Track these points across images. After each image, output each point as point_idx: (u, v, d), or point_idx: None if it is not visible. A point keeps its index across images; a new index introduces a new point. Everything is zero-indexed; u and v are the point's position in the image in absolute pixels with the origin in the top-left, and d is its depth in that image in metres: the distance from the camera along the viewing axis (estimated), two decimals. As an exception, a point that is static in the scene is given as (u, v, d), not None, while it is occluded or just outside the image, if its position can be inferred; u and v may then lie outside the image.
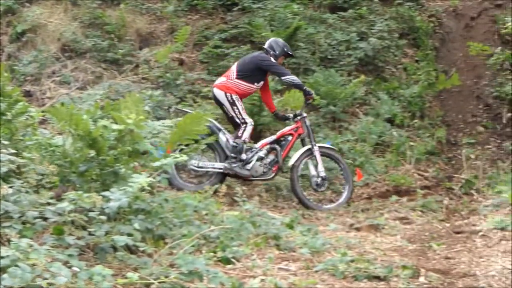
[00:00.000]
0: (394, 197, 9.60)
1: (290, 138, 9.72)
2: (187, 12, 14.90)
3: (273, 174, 9.54)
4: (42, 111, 6.85)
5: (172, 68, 12.55)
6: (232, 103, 9.41)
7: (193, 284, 4.40)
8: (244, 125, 9.40)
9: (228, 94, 9.41)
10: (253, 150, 9.55)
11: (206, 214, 6.41)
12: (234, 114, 9.44)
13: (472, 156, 11.94)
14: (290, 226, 6.94)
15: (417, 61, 14.49)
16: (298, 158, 9.47)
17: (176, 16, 14.45)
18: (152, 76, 12.39)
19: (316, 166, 9.50)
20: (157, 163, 5.37)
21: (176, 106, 9.90)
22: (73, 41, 12.97)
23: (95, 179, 5.58)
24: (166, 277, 4.29)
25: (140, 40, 13.85)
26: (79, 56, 12.87)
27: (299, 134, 9.73)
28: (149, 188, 5.06)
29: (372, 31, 14.24)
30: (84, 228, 4.74)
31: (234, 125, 9.61)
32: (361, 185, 10.10)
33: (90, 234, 4.68)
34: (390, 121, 12.17)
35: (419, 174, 10.88)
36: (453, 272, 5.53)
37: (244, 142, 9.36)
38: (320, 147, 9.63)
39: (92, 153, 5.56)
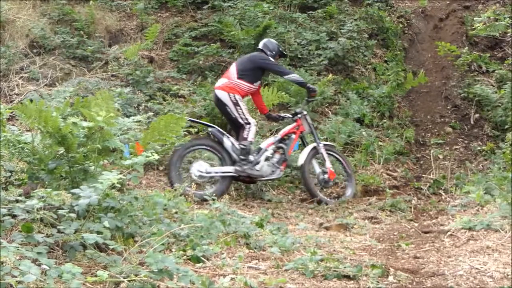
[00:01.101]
0: (363, 197, 9.65)
1: (293, 136, 9.87)
2: (157, 9, 14.87)
3: (282, 173, 9.69)
4: (10, 108, 6.78)
5: (141, 65, 12.49)
6: (236, 104, 9.47)
7: (163, 283, 4.38)
8: (248, 125, 9.48)
9: (231, 95, 9.47)
10: (259, 150, 9.63)
11: (176, 213, 6.39)
12: (237, 115, 9.48)
13: (440, 157, 12.04)
14: (260, 225, 6.94)
15: (386, 61, 14.57)
16: (306, 157, 9.62)
17: (146, 14, 14.40)
18: (122, 73, 12.33)
19: (322, 164, 9.75)
20: (127, 162, 5.34)
21: (188, 117, 9.83)
22: (41, 37, 12.86)
23: (64, 176, 5.54)
24: (136, 275, 4.27)
25: (109, 37, 13.78)
26: (48, 52, 12.76)
27: (301, 132, 9.92)
28: (119, 186, 5.03)
29: (342, 31, 14.29)
30: (53, 225, 4.70)
31: (236, 127, 9.66)
32: (330, 185, 10.11)
33: (59, 231, 4.65)
34: (360, 121, 12.21)
35: (387, 174, 10.93)
36: (421, 271, 5.56)
37: (251, 143, 9.45)
38: (324, 144, 9.87)
39: (62, 150, 5.52)
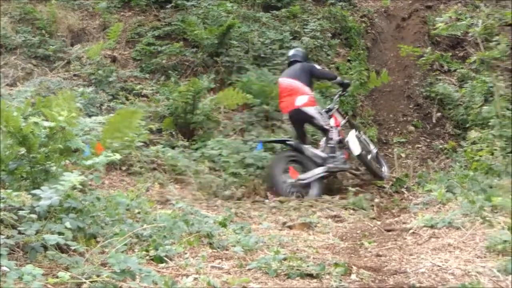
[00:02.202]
0: (326, 195, 9.68)
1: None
2: (120, 8, 14.80)
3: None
4: (-30, 108, 6.71)
5: (104, 65, 12.43)
6: (320, 114, 10.37)
7: (125, 283, 4.36)
8: (332, 128, 10.37)
9: (316, 108, 10.41)
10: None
11: (139, 213, 6.36)
12: (323, 123, 10.35)
13: (403, 155, 12.13)
14: (223, 225, 6.93)
15: (349, 60, 14.64)
16: (359, 144, 10.38)
17: (109, 13, 14.32)
18: (84, 73, 12.24)
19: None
20: (89, 162, 5.31)
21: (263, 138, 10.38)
22: (3, 36, 12.73)
23: (25, 177, 5.49)
24: (98, 276, 4.24)
25: (71, 36, 13.68)
26: (9, 52, 12.63)
27: (337, 126, 10.57)
28: (80, 187, 5.00)
29: (305, 30, 14.35)
30: (13, 227, 4.65)
31: (323, 133, 10.62)
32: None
33: (20, 233, 4.60)
34: (323, 119, 12.26)
35: (350, 173, 10.97)
36: (384, 269, 5.59)
37: (336, 142, 10.37)
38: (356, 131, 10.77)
39: (23, 150, 5.46)
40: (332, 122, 10.40)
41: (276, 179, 9.77)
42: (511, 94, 13.03)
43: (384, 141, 12.79)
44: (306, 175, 9.95)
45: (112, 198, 6.02)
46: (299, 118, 10.42)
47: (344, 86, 11.03)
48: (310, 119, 10.34)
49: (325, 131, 10.43)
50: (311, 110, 10.28)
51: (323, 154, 10.21)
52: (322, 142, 10.61)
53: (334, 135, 10.31)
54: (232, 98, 11.10)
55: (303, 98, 10.30)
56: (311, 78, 10.66)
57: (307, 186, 9.98)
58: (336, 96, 11.09)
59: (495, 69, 13.81)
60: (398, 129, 13.21)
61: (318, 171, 10.00)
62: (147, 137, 9.15)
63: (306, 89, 10.41)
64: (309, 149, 10.24)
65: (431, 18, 15.59)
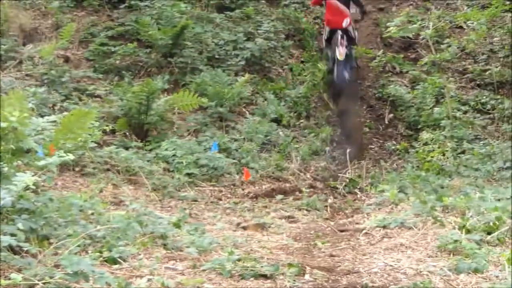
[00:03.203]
0: (280, 196, 9.72)
1: None
2: (73, 8, 14.61)
3: None
4: None
5: (57, 65, 12.28)
6: (353, 29, 14.63)
7: (78, 285, 4.35)
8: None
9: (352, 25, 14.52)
10: None
11: (92, 214, 6.34)
12: (353, 36, 14.54)
13: (356, 156, 12.21)
14: (177, 225, 6.94)
15: (302, 62, 14.69)
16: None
17: (62, 12, 14.14)
18: (36, 73, 12.07)
19: None
20: (42, 162, 5.27)
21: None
22: (-49, 36, 12.56)
23: (-24, 177, 5.43)
24: (51, 278, 4.23)
25: (23, 36, 13.48)
26: (-41, 51, 12.46)
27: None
28: (33, 187, 4.96)
29: (259, 31, 14.36)
30: (-36, 228, 4.61)
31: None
32: (248, 184, 10.16)
33: (-29, 234, 4.56)
34: (277, 121, 12.28)
35: (304, 174, 11.03)
36: (337, 269, 5.65)
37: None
38: None
39: (-26, 151, 5.41)
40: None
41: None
42: (462, 95, 13.27)
43: (338, 142, 12.85)
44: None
45: (65, 199, 5.99)
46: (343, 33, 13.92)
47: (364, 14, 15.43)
48: (348, 33, 14.09)
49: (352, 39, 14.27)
50: (351, 29, 14.27)
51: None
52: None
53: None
54: (187, 100, 11.09)
55: (347, 20, 14.15)
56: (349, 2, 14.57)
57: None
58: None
59: (446, 71, 14.05)
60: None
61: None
62: (101, 138, 9.11)
63: (348, 12, 14.36)
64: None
65: (383, 20, 15.74)
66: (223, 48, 13.71)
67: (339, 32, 13.86)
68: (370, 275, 5.37)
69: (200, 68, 12.89)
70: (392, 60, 14.64)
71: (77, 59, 13.18)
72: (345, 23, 14.05)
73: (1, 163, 5.44)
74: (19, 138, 5.52)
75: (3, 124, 5.40)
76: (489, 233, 6.43)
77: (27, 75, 12.09)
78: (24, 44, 13.19)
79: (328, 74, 14.11)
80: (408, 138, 12.82)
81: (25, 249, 4.59)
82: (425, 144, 11.73)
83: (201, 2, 15.14)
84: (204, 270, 5.30)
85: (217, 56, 13.52)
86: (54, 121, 6.63)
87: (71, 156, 5.31)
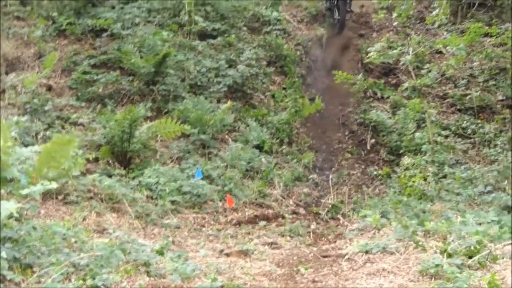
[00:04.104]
0: (263, 223, 9.75)
1: None
2: (55, 37, 14.67)
3: None
4: None
5: (39, 93, 12.33)
6: None
7: (62, 313, 4.36)
8: None
9: None
10: None
11: (76, 242, 6.34)
12: None
13: (339, 182, 12.26)
14: (160, 253, 6.96)
15: (284, 88, 14.77)
16: None
17: (44, 41, 14.20)
18: (19, 101, 12.09)
19: None
20: (25, 191, 5.29)
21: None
22: None
23: (-41, 207, 5.43)
24: (35, 306, 4.23)
25: (6, 64, 13.52)
26: None
27: None
28: (17, 215, 4.98)
29: (241, 58, 14.46)
30: None
31: None
32: (231, 211, 10.19)
33: (-46, 264, 4.57)
34: (259, 147, 12.34)
35: (287, 200, 11.07)
36: (320, 295, 5.68)
37: None
38: None
39: (-43, 181, 5.42)
40: None
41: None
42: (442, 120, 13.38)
43: (320, 167, 12.90)
44: None
45: (49, 227, 6.00)
46: None
47: None
48: None
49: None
50: None
51: None
52: None
53: None
54: (169, 127, 11.13)
55: None
56: None
57: None
58: None
59: (427, 96, 14.16)
60: (333, 155, 13.36)
61: None
62: (84, 166, 9.12)
63: None
64: None
65: (364, 46, 15.87)
66: (205, 75, 13.79)
67: None
68: (352, 301, 5.40)
69: (183, 96, 12.96)
70: (373, 85, 14.79)
71: (59, 88, 13.21)
72: None
73: (-16, 192, 5.46)
74: (3, 168, 5.53)
75: (-14, 154, 5.43)
76: (470, 257, 6.47)
77: (9, 104, 12.11)
78: (6, 73, 13.21)
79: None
80: (390, 163, 12.89)
81: (9, 277, 4.61)
82: (407, 169, 11.80)
83: (183, 30, 15.22)
84: (187, 297, 5.32)
85: (199, 83, 13.59)
86: (38, 151, 6.64)
87: (54, 185, 5.34)
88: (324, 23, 17.42)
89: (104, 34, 14.62)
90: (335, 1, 17.02)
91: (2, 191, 5.95)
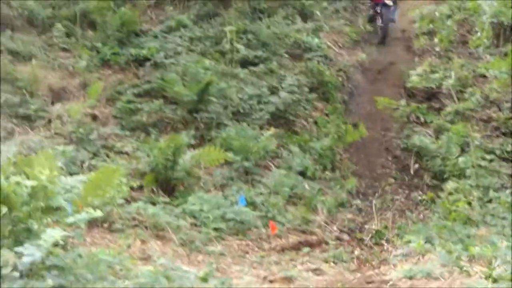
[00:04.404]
0: (307, 249, 9.74)
1: None
2: (100, 67, 14.87)
3: None
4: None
5: (85, 123, 12.48)
6: None
7: None
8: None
9: None
10: None
11: (121, 270, 6.40)
12: None
13: (382, 207, 12.21)
14: (204, 280, 6.99)
15: (327, 114, 14.80)
16: None
17: (89, 72, 14.40)
18: (65, 131, 12.26)
19: None
20: (70, 219, 5.37)
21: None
22: (-18, 98, 12.77)
23: (7, 235, 5.53)
24: (81, 333, 4.29)
25: (52, 95, 13.71)
26: (-10, 112, 12.67)
27: None
28: (62, 243, 5.06)
29: (283, 85, 14.52)
30: (-3, 285, 4.70)
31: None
32: (274, 237, 10.20)
33: (3, 291, 4.65)
34: (302, 173, 12.34)
35: (330, 226, 11.05)
36: (364, 321, 5.67)
37: None
38: None
39: (5, 209, 5.52)
40: None
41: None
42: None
43: (363, 193, 12.87)
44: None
45: (94, 255, 6.06)
46: None
47: None
48: None
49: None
50: None
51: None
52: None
53: None
54: (213, 155, 11.19)
55: None
56: None
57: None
58: None
59: (470, 119, 14.07)
60: (377, 181, 13.31)
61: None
62: (128, 194, 9.21)
63: None
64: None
65: (406, 71, 15.86)
66: (248, 102, 13.86)
67: None
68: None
69: (226, 123, 13.04)
70: (416, 110, 14.75)
71: (104, 117, 13.36)
72: None
73: (31, 221, 5.54)
74: (49, 196, 5.63)
75: (34, 183, 5.52)
76: (516, 282, 6.42)
77: (56, 133, 12.27)
78: (52, 104, 13.40)
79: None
80: (434, 188, 12.79)
81: (56, 305, 4.68)
82: (451, 193, 11.71)
83: (225, 58, 15.35)
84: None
85: (242, 111, 13.67)
86: (84, 180, 6.73)
87: (99, 213, 5.41)
88: (366, 47, 17.48)
89: (147, 64, 14.81)
90: (379, 9, 18.26)
91: (49, 219, 6.04)
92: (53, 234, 4.83)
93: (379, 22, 18.51)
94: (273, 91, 14.36)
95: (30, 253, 4.68)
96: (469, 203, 11.08)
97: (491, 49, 15.08)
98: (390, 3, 18.02)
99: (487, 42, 13.79)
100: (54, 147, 11.01)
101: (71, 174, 9.19)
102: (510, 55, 12.60)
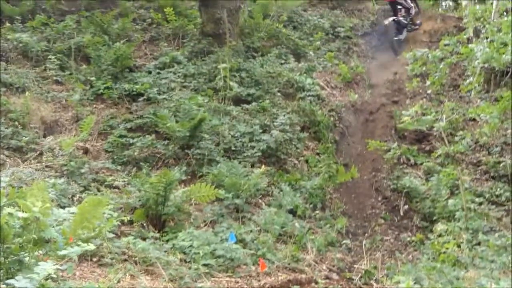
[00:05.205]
0: (296, 287, 9.73)
1: None
2: (93, 101, 14.96)
3: None
4: None
5: (76, 156, 12.50)
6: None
7: None
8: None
9: None
10: None
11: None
12: (407, 5, 20.60)
13: (372, 247, 12.23)
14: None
15: (318, 153, 14.87)
16: None
17: (82, 105, 14.48)
18: (56, 164, 12.27)
19: None
20: (63, 252, 5.38)
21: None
22: (-26, 128, 12.80)
23: (-1, 267, 5.53)
24: None
25: (44, 127, 13.76)
26: (-19, 143, 12.68)
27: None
28: (55, 276, 5.06)
29: (275, 123, 14.60)
30: (-13, 317, 4.69)
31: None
32: (264, 275, 10.19)
33: (-6, 323, 4.64)
34: (292, 212, 12.35)
35: (320, 265, 11.05)
36: None
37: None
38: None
39: (-3, 241, 5.53)
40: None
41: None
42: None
43: (353, 233, 12.89)
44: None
45: (83, 289, 6.07)
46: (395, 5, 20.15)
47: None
48: (401, 4, 20.25)
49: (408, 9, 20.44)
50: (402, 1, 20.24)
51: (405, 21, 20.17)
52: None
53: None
54: (204, 191, 11.20)
55: None
56: None
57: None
58: None
59: (460, 162, 14.17)
60: (367, 221, 13.35)
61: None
62: (118, 228, 9.20)
63: None
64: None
65: (397, 112, 15.97)
66: (240, 140, 13.93)
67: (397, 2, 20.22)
68: None
69: (217, 160, 13.08)
70: (407, 152, 14.84)
71: (96, 151, 13.41)
72: None
73: (23, 253, 5.55)
74: (41, 228, 5.64)
75: (26, 215, 5.54)
76: (503, 324, 6.45)
77: (47, 166, 12.29)
78: (44, 136, 13.46)
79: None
80: (423, 229, 12.84)
81: (45, 337, 4.67)
82: (440, 235, 11.76)
83: (218, 95, 15.45)
84: None
85: (233, 148, 13.73)
86: (75, 212, 6.75)
87: (91, 246, 5.43)
88: (358, 88, 17.64)
89: (141, 99, 14.90)
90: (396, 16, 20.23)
91: (40, 252, 6.04)
92: (45, 267, 4.83)
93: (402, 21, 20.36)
94: (265, 129, 14.44)
95: (22, 285, 4.68)
96: (458, 245, 11.13)
97: (482, 93, 15.23)
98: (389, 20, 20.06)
99: (478, 87, 13.92)
100: (45, 180, 11.02)
101: (61, 207, 9.19)
102: (500, 100, 12.72)
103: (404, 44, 20.05)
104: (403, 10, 20.34)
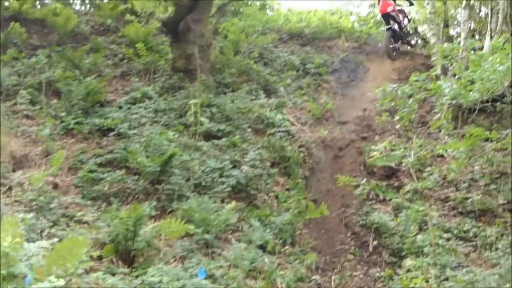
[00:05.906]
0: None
1: None
2: (63, 135, 14.92)
3: None
4: None
5: (46, 191, 12.43)
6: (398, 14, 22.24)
7: None
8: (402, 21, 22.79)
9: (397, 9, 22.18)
10: None
11: None
12: (399, 20, 22.21)
13: (341, 283, 12.27)
14: None
15: (288, 189, 14.96)
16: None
17: (52, 140, 14.43)
18: (25, 199, 12.20)
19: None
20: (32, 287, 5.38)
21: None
22: None
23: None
24: None
25: (14, 162, 13.69)
26: None
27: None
28: (24, 313, 5.06)
29: (245, 159, 14.67)
30: None
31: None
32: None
33: None
34: (262, 247, 12.38)
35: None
36: None
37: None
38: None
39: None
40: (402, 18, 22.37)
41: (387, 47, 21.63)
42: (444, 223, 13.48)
43: (323, 268, 12.93)
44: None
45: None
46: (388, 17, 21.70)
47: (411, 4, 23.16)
48: (393, 18, 21.61)
49: (399, 23, 22.12)
50: (394, 14, 21.68)
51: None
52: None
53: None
54: (174, 227, 11.20)
55: (391, 7, 21.55)
56: None
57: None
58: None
59: (428, 198, 14.32)
60: (336, 257, 13.39)
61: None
62: (88, 264, 9.17)
63: (393, 2, 21.71)
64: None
65: (366, 148, 16.13)
66: (210, 175, 13.96)
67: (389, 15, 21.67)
68: None
69: (187, 195, 13.09)
70: (376, 188, 14.98)
71: (65, 186, 13.34)
72: (389, 9, 21.59)
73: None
74: (10, 263, 5.63)
75: (-4, 250, 5.53)
76: None
77: (16, 201, 12.19)
78: (14, 171, 13.36)
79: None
80: (392, 264, 12.90)
81: None
82: (409, 271, 11.85)
83: (188, 131, 15.50)
84: None
85: (204, 183, 13.74)
86: (45, 247, 6.74)
87: (62, 282, 5.43)
88: (328, 124, 17.82)
89: (111, 134, 14.90)
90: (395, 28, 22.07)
91: (9, 287, 6.02)
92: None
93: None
94: (235, 164, 14.51)
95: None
96: (427, 281, 11.21)
97: (450, 130, 15.44)
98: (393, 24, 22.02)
99: (446, 123, 14.13)
100: (14, 215, 10.95)
101: (30, 242, 9.16)
102: (467, 137, 12.92)
103: (397, 53, 22.50)
104: (396, 25, 22.18)
